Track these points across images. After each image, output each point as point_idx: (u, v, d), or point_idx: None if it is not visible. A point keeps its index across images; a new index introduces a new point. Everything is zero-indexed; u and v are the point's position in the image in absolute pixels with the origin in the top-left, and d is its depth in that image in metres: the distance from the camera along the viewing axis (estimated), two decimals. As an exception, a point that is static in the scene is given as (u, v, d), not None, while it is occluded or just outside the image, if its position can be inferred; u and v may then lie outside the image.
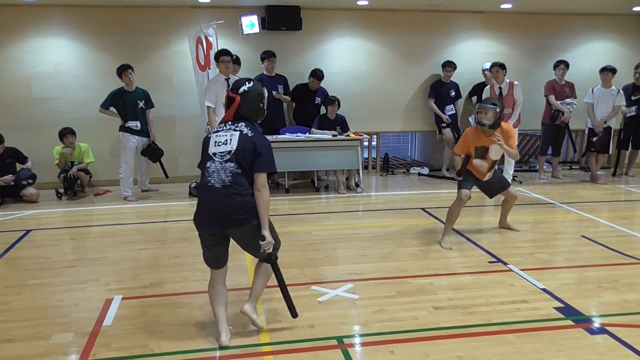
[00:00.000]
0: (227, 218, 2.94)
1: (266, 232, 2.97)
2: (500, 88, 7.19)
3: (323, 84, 7.64)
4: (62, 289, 3.98)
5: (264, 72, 7.48)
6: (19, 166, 6.95)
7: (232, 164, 2.94)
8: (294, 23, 7.84)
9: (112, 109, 6.92)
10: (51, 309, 3.62)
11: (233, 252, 3.23)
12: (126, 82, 6.87)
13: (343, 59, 8.34)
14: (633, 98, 7.90)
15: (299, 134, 7.07)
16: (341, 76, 8.29)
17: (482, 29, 8.64)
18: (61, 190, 7.15)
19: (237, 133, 2.99)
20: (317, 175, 7.82)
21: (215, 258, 3.14)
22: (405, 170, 8.92)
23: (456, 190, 4.93)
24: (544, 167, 8.37)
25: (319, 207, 6.59)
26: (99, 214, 6.40)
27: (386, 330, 3.26)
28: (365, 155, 8.36)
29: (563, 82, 7.84)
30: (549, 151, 8.21)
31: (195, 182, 7.20)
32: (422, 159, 9.80)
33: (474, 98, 8.30)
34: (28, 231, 5.54)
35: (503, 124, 4.85)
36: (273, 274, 3.15)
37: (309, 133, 7.13)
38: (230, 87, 3.15)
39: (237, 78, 6.26)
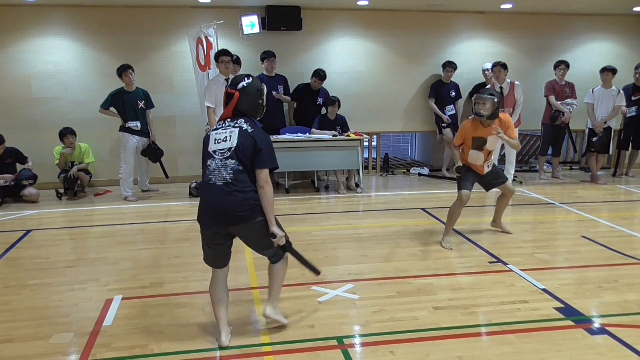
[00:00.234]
0: (229, 215, 2.93)
1: (274, 228, 2.97)
2: (501, 88, 7.19)
3: (323, 84, 7.64)
4: (62, 289, 3.98)
5: (264, 72, 7.48)
6: (19, 166, 6.96)
7: (233, 161, 2.93)
8: (294, 23, 7.84)
9: (112, 109, 6.92)
10: (51, 309, 3.62)
11: (233, 252, 3.23)
12: (126, 82, 6.87)
13: (343, 59, 8.34)
14: (633, 98, 7.90)
15: (299, 134, 7.07)
16: (341, 76, 8.29)
17: (482, 29, 8.64)
18: (61, 190, 7.15)
19: (237, 129, 2.97)
20: (317, 175, 7.83)
21: (217, 257, 3.12)
22: (405, 171, 8.92)
23: (456, 191, 4.93)
24: (544, 167, 8.37)
25: (319, 207, 6.59)
26: (99, 214, 6.40)
27: (386, 331, 3.26)
28: (366, 156, 8.36)
29: (563, 83, 7.84)
30: (549, 151, 8.21)
31: (196, 182, 7.20)
32: (422, 159, 9.80)
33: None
34: (28, 231, 5.55)
35: (501, 114, 4.80)
36: (286, 272, 3.22)
37: (309, 133, 7.13)
38: (229, 83, 3.14)
39: (237, 78, 6.31)
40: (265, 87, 3.16)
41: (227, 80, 6.27)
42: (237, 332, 3.23)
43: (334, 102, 7.18)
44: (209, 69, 6.72)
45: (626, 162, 8.45)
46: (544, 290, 3.86)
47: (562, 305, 3.60)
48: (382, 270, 4.30)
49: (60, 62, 7.53)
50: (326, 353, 3.01)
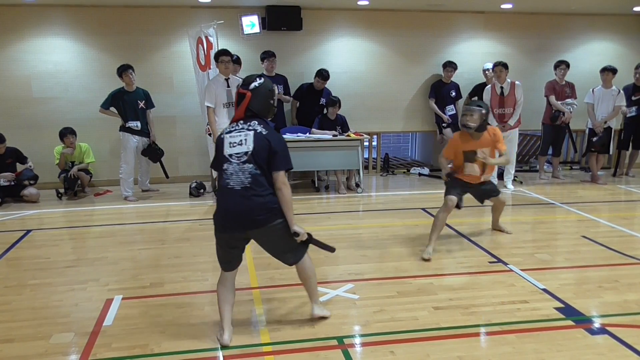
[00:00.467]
0: (248, 220, 2.94)
1: (296, 227, 3.00)
2: (501, 88, 7.19)
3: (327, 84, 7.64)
4: (62, 289, 3.98)
5: (264, 72, 7.47)
6: (19, 167, 6.96)
7: (251, 165, 2.93)
8: (294, 23, 7.84)
9: (112, 109, 6.92)
10: (51, 309, 3.62)
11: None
12: (126, 82, 6.87)
13: (343, 59, 8.34)
14: (633, 98, 7.89)
15: (299, 134, 7.07)
16: (341, 76, 8.29)
17: (482, 29, 8.64)
18: (61, 190, 7.15)
19: (252, 132, 2.97)
20: (318, 175, 7.82)
21: (229, 260, 3.14)
22: (405, 171, 8.92)
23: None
24: (545, 167, 8.37)
25: (319, 207, 6.59)
26: (99, 214, 6.40)
27: (386, 331, 3.25)
28: (366, 156, 8.36)
29: (563, 83, 7.83)
30: (550, 151, 8.21)
31: (196, 182, 7.21)
32: (423, 159, 9.80)
33: (475, 99, 8.27)
34: (28, 231, 5.54)
35: (490, 127, 4.65)
36: (314, 271, 3.28)
37: (309, 133, 7.13)
38: (240, 83, 3.13)
39: (237, 78, 6.31)
40: (276, 87, 3.17)
41: (227, 80, 6.27)
42: (237, 332, 3.22)
43: (334, 103, 7.17)
44: (209, 69, 6.72)
45: (626, 162, 8.45)
46: (544, 290, 3.86)
47: (562, 305, 3.60)
48: (382, 270, 4.30)
49: (61, 62, 7.53)
50: (326, 353, 3.00)
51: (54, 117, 7.51)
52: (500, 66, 7.15)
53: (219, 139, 3.09)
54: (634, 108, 7.92)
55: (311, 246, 3.21)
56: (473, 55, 8.63)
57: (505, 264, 4.42)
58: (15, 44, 7.38)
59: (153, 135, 7.13)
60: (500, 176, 7.57)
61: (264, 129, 2.99)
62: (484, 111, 4.47)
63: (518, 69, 8.40)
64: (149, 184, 7.51)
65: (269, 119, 3.16)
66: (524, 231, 5.42)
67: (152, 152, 7.14)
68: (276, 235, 3.02)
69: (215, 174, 6.14)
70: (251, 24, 7.40)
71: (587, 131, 8.02)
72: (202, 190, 7.18)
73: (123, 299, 3.76)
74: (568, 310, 3.53)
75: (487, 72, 8.02)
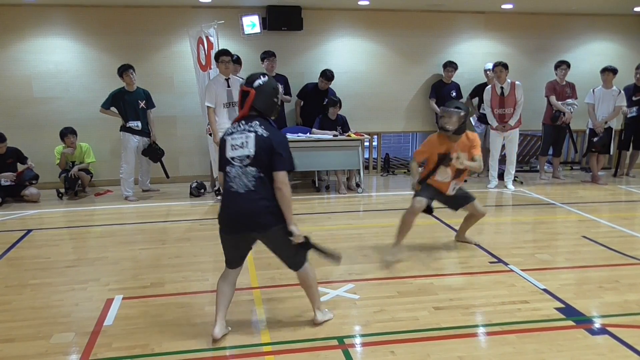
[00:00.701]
0: (253, 223, 2.95)
1: (293, 227, 2.98)
2: (502, 88, 7.19)
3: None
4: (62, 288, 3.98)
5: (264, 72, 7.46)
6: (20, 167, 6.96)
7: (254, 169, 2.93)
8: (294, 23, 7.84)
9: (112, 109, 6.92)
10: (52, 309, 3.62)
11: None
12: (127, 82, 6.87)
13: (344, 59, 8.34)
14: (634, 98, 7.89)
15: (299, 134, 7.07)
16: (342, 76, 8.29)
17: (483, 29, 8.64)
18: (62, 190, 7.15)
19: (252, 135, 2.95)
20: (318, 175, 7.82)
21: (234, 259, 3.17)
22: (406, 171, 8.91)
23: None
24: (545, 167, 8.37)
25: (320, 207, 6.59)
26: (100, 214, 6.40)
27: (387, 331, 3.25)
28: (366, 156, 8.36)
29: (564, 83, 7.83)
30: (550, 151, 8.21)
31: (196, 182, 7.21)
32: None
33: (476, 99, 8.26)
34: (29, 231, 5.55)
35: (468, 132, 4.49)
36: (315, 274, 3.27)
37: (310, 133, 7.13)
38: (244, 81, 3.10)
39: (238, 78, 6.31)
40: (280, 86, 3.15)
41: (227, 80, 6.27)
42: (237, 332, 3.23)
43: (335, 103, 7.17)
44: (210, 69, 6.72)
45: (627, 163, 8.45)
46: (545, 290, 3.86)
47: (562, 306, 3.60)
48: (383, 270, 4.30)
49: (61, 62, 7.53)
50: (327, 353, 3.00)
51: (54, 117, 7.51)
52: (501, 66, 7.15)
53: (222, 141, 3.08)
54: (634, 108, 7.92)
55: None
56: (473, 55, 8.63)
57: (506, 264, 4.42)
58: (16, 44, 7.39)
59: (153, 135, 7.13)
60: (501, 176, 7.57)
61: (265, 131, 2.96)
62: (462, 114, 4.32)
63: (518, 69, 8.40)
64: (149, 184, 7.51)
65: (273, 118, 3.14)
66: (524, 231, 5.42)
67: (153, 152, 7.14)
68: (281, 237, 3.01)
69: (215, 173, 6.15)
70: (252, 24, 7.40)
71: (587, 131, 8.01)
72: (202, 190, 7.18)
73: (123, 298, 3.76)
74: (568, 311, 3.52)
75: (488, 72, 8.01)
